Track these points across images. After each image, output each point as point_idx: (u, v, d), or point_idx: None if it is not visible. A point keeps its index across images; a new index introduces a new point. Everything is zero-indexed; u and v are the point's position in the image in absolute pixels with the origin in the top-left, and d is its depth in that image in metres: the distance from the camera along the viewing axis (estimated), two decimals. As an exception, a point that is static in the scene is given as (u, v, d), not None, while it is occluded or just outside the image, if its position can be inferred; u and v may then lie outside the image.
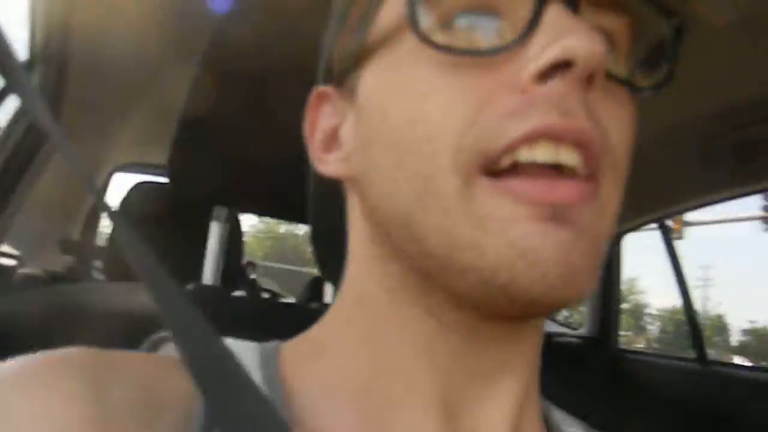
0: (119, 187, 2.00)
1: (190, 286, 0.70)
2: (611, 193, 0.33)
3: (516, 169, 0.31)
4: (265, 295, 2.44)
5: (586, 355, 1.83)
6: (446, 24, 0.32)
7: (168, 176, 0.65)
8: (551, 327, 2.85)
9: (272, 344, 0.41)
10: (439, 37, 0.32)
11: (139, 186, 1.36)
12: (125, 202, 1.36)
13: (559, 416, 0.46)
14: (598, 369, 1.81)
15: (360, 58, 0.37)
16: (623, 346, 1.96)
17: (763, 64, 0.97)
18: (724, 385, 1.57)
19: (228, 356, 0.33)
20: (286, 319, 0.62)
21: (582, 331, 1.99)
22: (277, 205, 0.70)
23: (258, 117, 0.61)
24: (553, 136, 0.30)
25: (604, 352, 1.88)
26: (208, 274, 0.74)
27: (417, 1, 0.32)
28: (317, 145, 0.42)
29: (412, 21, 0.31)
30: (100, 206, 0.42)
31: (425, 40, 0.31)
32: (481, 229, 0.31)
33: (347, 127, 0.39)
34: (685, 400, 1.58)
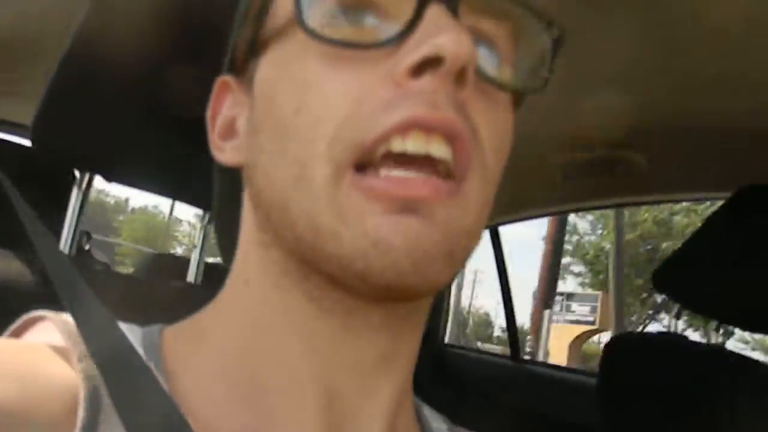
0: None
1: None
2: (477, 189, 0.34)
3: (389, 159, 0.32)
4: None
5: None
6: (333, 19, 0.34)
7: (32, 136, 0.59)
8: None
9: (156, 327, 0.40)
10: (326, 32, 0.33)
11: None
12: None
13: (427, 411, 0.48)
14: (424, 363, 1.90)
15: (256, 49, 0.38)
16: (448, 342, 2.10)
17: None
18: (533, 381, 1.75)
19: (126, 343, 0.33)
20: (174, 300, 0.59)
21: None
22: (147, 177, 0.66)
23: (139, 87, 0.58)
24: (424, 127, 0.32)
25: (431, 347, 2.00)
26: (64, 242, 0.68)
27: (303, 3, 0.33)
28: (216, 133, 0.42)
29: (298, 16, 0.33)
30: None
31: (310, 33, 0.33)
32: (341, 220, 0.32)
33: (243, 116, 0.40)
34: (501, 394, 1.72)
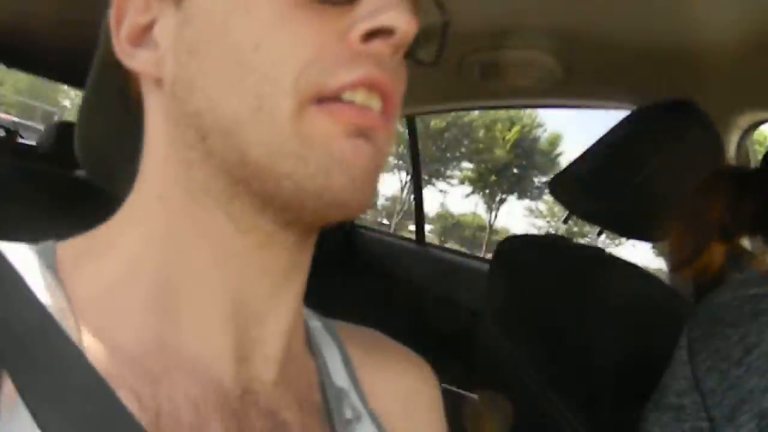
0: None
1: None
2: (392, 130, 0.41)
3: (338, 100, 0.37)
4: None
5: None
6: None
7: None
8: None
9: (50, 244, 0.41)
10: None
11: None
12: None
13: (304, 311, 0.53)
14: (333, 242, 1.98)
15: None
16: (356, 222, 2.18)
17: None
18: (436, 263, 1.88)
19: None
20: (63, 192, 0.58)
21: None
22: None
23: None
24: (369, 85, 0.37)
25: (340, 228, 2.08)
26: None
27: None
28: (124, 37, 0.41)
29: None
30: None
31: None
32: (307, 145, 0.36)
33: (165, 27, 0.40)
34: (406, 274, 1.84)
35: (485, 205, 31.26)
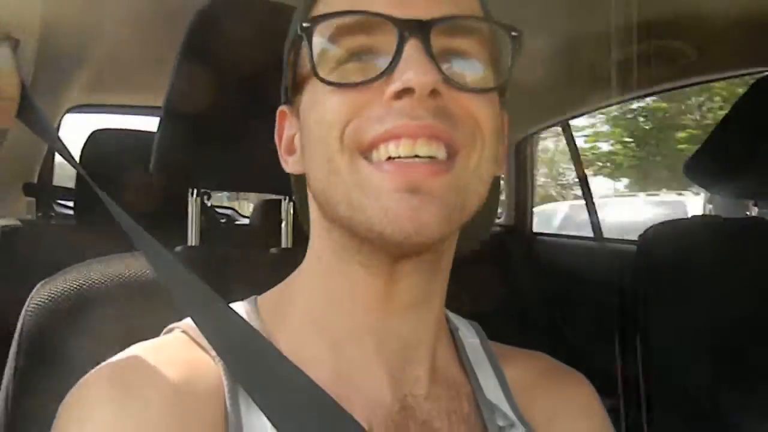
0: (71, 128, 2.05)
1: (178, 249, 0.73)
2: (469, 160, 0.46)
3: (389, 159, 0.44)
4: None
5: (506, 240, 2.06)
6: (339, 64, 0.46)
7: (153, 161, 0.68)
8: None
9: (251, 300, 0.54)
10: (334, 76, 0.45)
11: (99, 133, 1.44)
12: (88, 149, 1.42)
13: (461, 325, 0.60)
14: (515, 251, 2.05)
15: (296, 87, 0.51)
16: (536, 231, 2.24)
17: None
18: (617, 257, 1.87)
19: (238, 320, 0.47)
20: (262, 266, 0.70)
21: (501, 220, 2.26)
22: (240, 179, 0.75)
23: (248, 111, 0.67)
24: (408, 135, 0.43)
25: (521, 237, 2.17)
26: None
27: (316, 61, 0.46)
28: (283, 150, 0.56)
29: (313, 71, 0.46)
30: (65, 156, 0.54)
31: (323, 81, 0.45)
32: (364, 195, 0.44)
33: (297, 136, 0.53)
34: (587, 273, 1.86)
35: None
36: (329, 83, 0.45)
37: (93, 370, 0.44)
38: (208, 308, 0.48)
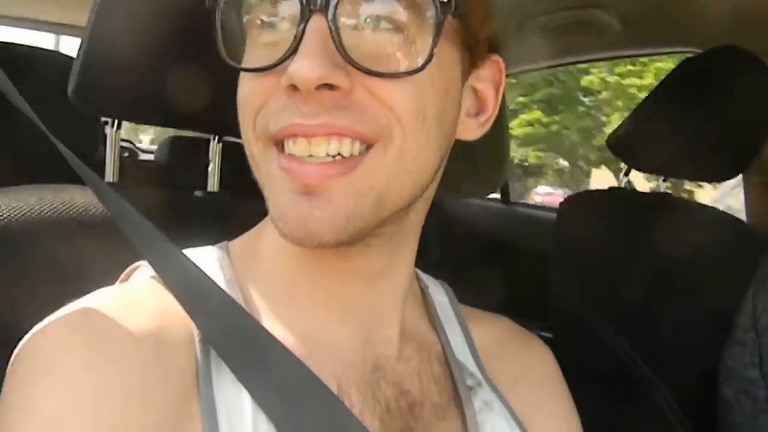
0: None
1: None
2: (385, 154, 0.42)
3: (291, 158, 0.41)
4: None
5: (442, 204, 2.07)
6: (255, 41, 0.43)
7: (71, 88, 0.62)
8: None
9: (223, 246, 0.52)
10: (248, 56, 0.43)
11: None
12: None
13: (430, 283, 0.60)
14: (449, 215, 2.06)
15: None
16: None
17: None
18: (523, 221, 1.93)
19: (200, 274, 0.44)
20: (190, 210, 0.68)
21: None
22: (162, 114, 0.69)
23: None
24: (302, 134, 0.40)
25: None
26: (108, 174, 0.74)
27: (220, 41, 0.43)
28: None
29: (223, 55, 0.43)
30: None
31: (229, 63, 0.43)
32: (269, 189, 0.43)
33: None
34: (492, 235, 1.91)
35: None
36: (236, 67, 0.43)
37: (52, 316, 0.40)
38: (165, 255, 0.45)
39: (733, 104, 0.97)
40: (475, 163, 0.59)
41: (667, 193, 1.14)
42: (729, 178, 1.11)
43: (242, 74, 0.44)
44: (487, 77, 0.51)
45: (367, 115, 0.41)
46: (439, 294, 0.60)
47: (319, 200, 0.41)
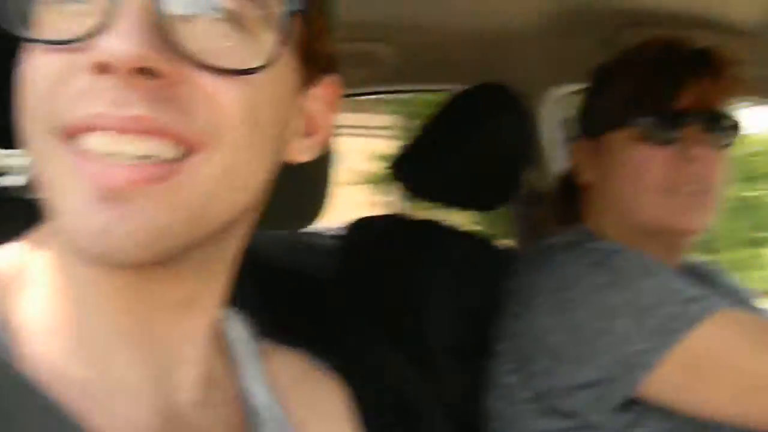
0: None
1: None
2: (209, 163, 0.35)
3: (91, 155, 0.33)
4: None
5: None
6: (47, 12, 0.35)
7: None
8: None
9: None
10: (37, 26, 0.35)
11: None
12: None
13: (232, 320, 0.53)
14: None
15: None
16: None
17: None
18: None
19: None
20: None
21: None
22: None
23: None
24: (110, 127, 0.33)
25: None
26: None
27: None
28: None
29: (5, 26, 0.34)
30: None
31: (18, 37, 0.34)
32: (56, 195, 0.35)
33: None
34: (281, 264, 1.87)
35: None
36: (25, 37, 0.34)
37: None
38: None
39: (495, 137, 1.05)
40: (292, 191, 0.53)
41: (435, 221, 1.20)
42: (495, 208, 1.19)
43: (29, 47, 0.35)
44: (322, 97, 0.46)
45: (191, 114, 0.34)
46: (236, 329, 0.54)
47: (123, 210, 0.33)
